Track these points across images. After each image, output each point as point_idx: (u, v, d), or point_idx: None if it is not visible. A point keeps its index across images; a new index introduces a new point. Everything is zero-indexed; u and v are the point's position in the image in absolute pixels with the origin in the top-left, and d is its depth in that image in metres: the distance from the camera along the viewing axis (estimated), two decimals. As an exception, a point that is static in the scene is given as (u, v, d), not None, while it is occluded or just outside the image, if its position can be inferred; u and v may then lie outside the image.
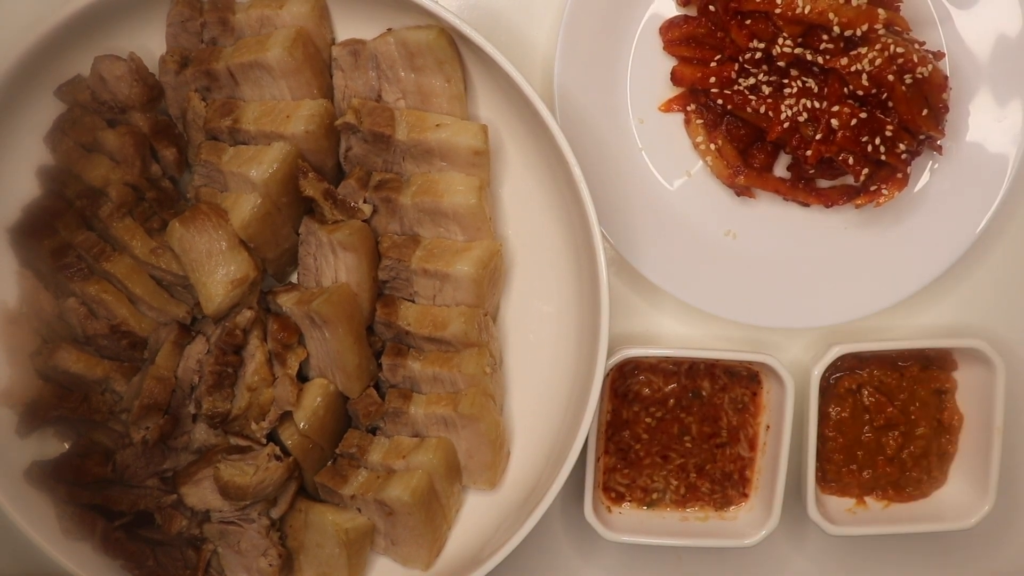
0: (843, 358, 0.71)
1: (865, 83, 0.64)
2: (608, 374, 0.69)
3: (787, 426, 0.68)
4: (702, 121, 0.70)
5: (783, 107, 0.66)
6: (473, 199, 0.62)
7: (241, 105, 0.63)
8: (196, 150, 0.64)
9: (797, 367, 0.72)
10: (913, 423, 0.72)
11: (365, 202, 0.64)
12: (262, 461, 0.62)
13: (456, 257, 0.63)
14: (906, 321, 0.74)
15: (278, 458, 0.63)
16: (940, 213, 0.70)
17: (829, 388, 0.72)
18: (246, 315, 0.63)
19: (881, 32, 0.64)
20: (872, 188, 0.68)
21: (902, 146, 0.66)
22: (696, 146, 0.70)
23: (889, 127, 0.65)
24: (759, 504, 0.71)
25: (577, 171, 0.59)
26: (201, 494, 0.63)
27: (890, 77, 0.63)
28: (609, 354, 0.63)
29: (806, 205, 0.70)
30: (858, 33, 0.64)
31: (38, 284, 0.64)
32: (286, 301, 0.64)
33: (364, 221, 0.64)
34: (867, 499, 0.73)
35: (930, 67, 0.64)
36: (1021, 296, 0.75)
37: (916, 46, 0.65)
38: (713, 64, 0.68)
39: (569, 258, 0.66)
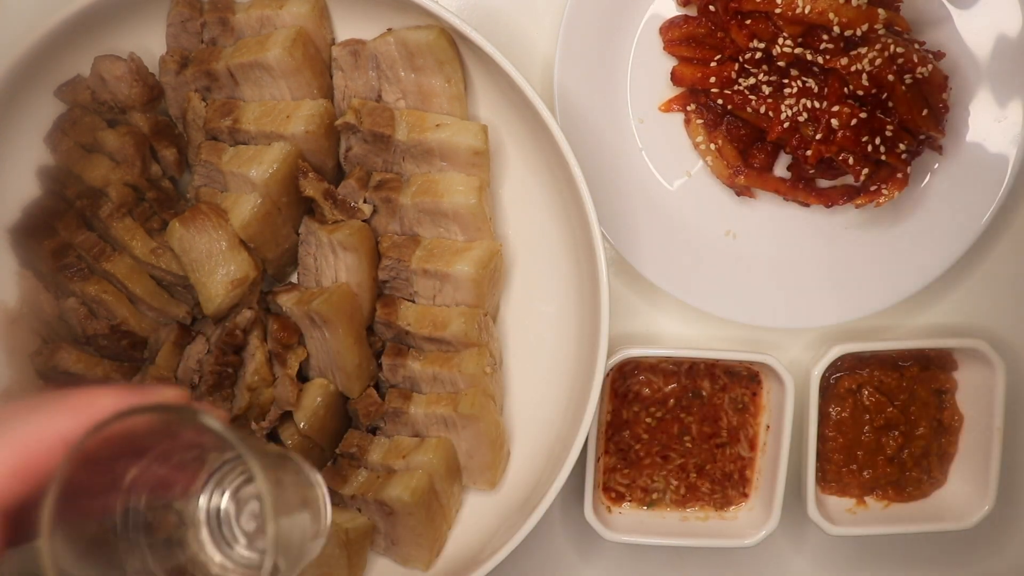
0: (843, 358, 0.71)
1: (865, 83, 0.64)
2: (608, 374, 0.69)
3: (787, 426, 0.68)
4: (702, 121, 0.70)
5: (783, 107, 0.66)
6: (473, 199, 0.62)
7: (241, 105, 0.64)
8: (196, 150, 0.64)
9: (797, 367, 0.72)
10: (913, 423, 0.72)
11: (365, 202, 0.64)
12: (262, 461, 0.62)
13: (456, 257, 0.63)
14: (906, 321, 0.74)
15: (278, 458, 0.63)
16: (940, 213, 0.70)
17: (829, 388, 0.72)
18: (246, 315, 0.63)
19: (881, 32, 0.64)
20: (872, 188, 0.68)
21: (902, 146, 0.66)
22: (696, 146, 0.70)
23: (889, 127, 0.65)
24: (759, 504, 0.71)
25: (577, 171, 0.59)
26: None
27: (890, 77, 0.63)
28: (609, 354, 0.63)
29: (806, 205, 0.70)
30: (858, 33, 0.64)
31: (38, 284, 0.64)
32: (286, 301, 0.64)
33: (364, 221, 0.64)
34: (867, 499, 0.73)
35: (930, 67, 0.64)
36: (1021, 296, 0.75)
37: (916, 46, 0.65)
38: (713, 64, 0.68)
39: (569, 258, 0.66)
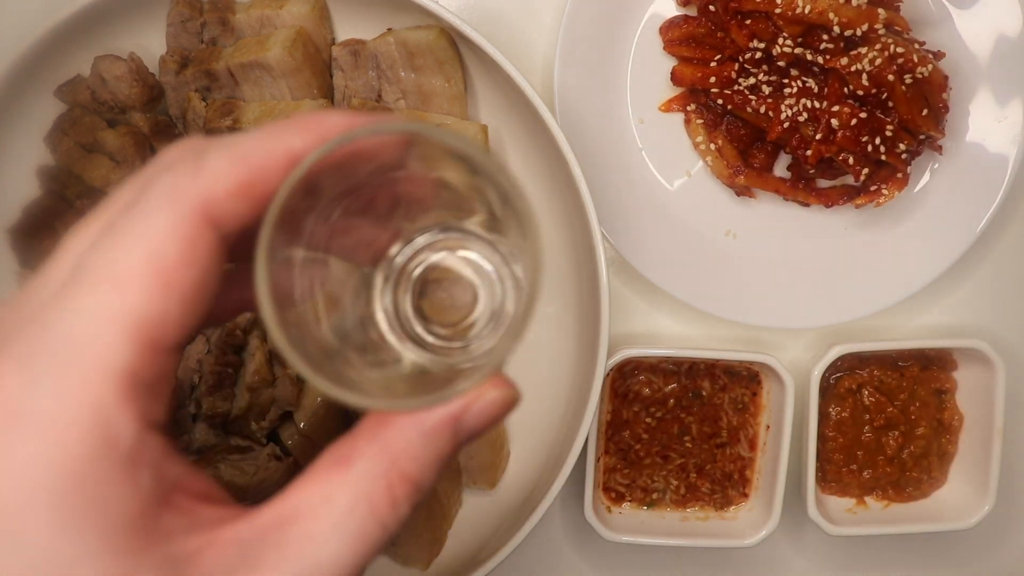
0: (843, 358, 0.71)
1: (865, 83, 0.64)
2: (608, 374, 0.69)
3: (787, 426, 0.68)
4: (702, 121, 0.70)
5: (783, 107, 0.66)
6: (473, 199, 0.62)
7: (241, 105, 0.64)
8: (196, 150, 0.64)
9: (797, 367, 0.72)
10: (913, 423, 0.72)
11: (365, 202, 0.64)
12: (262, 461, 0.62)
13: (456, 257, 0.63)
14: (906, 321, 0.74)
15: (278, 458, 0.63)
16: (940, 213, 0.70)
17: (829, 388, 0.72)
18: (246, 315, 0.63)
19: (881, 32, 0.64)
20: (872, 188, 0.68)
21: (902, 146, 0.66)
22: (696, 146, 0.70)
23: (889, 127, 0.65)
24: (759, 504, 0.71)
25: (577, 171, 0.59)
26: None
27: (890, 77, 0.63)
28: (609, 354, 0.63)
29: (806, 205, 0.70)
30: (858, 33, 0.64)
31: (38, 284, 0.64)
32: (286, 301, 0.64)
33: (364, 221, 0.64)
34: (867, 499, 0.73)
35: (930, 67, 0.64)
36: (1021, 296, 0.75)
37: (916, 46, 0.65)
38: (713, 64, 0.68)
39: (569, 258, 0.66)
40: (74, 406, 0.25)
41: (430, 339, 0.35)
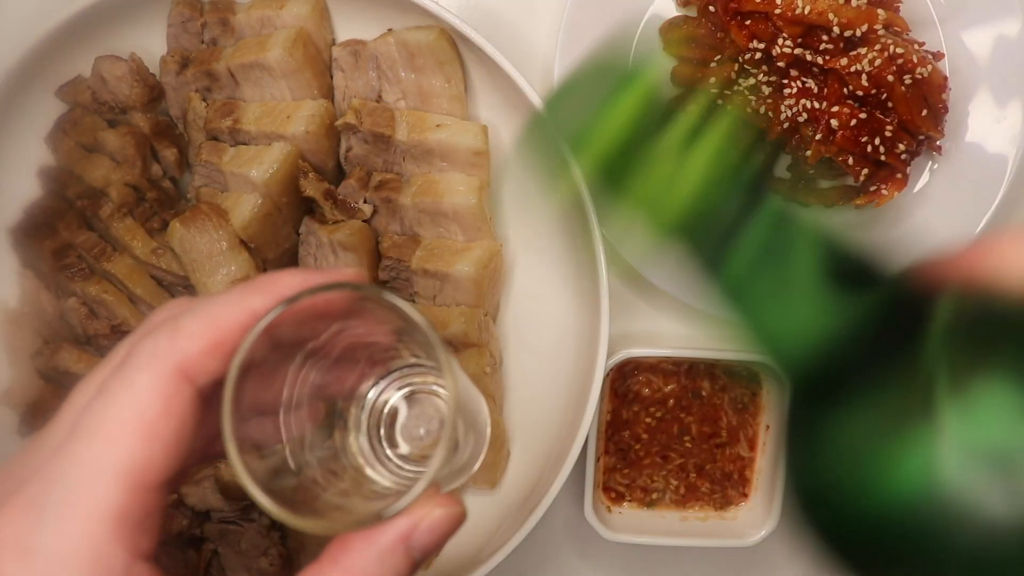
0: (843, 358, 0.71)
1: (865, 83, 0.64)
2: (608, 374, 0.69)
3: (787, 426, 0.68)
4: (702, 121, 0.70)
5: (783, 107, 0.66)
6: (473, 199, 0.62)
7: (242, 105, 0.64)
8: (197, 150, 0.65)
9: (797, 367, 0.72)
10: (913, 423, 0.72)
11: (365, 202, 0.64)
12: (263, 461, 0.62)
13: (456, 257, 0.63)
14: (906, 321, 0.74)
15: (278, 458, 0.63)
16: (939, 213, 0.70)
17: (829, 388, 0.72)
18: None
19: (881, 32, 0.64)
20: (872, 188, 0.68)
21: (901, 146, 0.66)
22: (696, 146, 0.70)
23: (889, 127, 0.65)
24: (759, 504, 0.71)
25: (577, 171, 0.59)
26: (202, 494, 0.63)
27: (890, 78, 0.64)
28: (609, 354, 0.63)
29: (806, 205, 0.70)
30: (858, 34, 0.64)
31: (39, 284, 0.65)
32: (287, 301, 0.64)
33: (364, 221, 0.65)
34: (867, 499, 0.73)
35: (929, 68, 0.64)
36: (1021, 296, 0.75)
37: (916, 47, 0.65)
38: (713, 64, 0.68)
39: (569, 258, 0.66)
40: (74, 543, 0.29)
41: (404, 465, 0.39)
